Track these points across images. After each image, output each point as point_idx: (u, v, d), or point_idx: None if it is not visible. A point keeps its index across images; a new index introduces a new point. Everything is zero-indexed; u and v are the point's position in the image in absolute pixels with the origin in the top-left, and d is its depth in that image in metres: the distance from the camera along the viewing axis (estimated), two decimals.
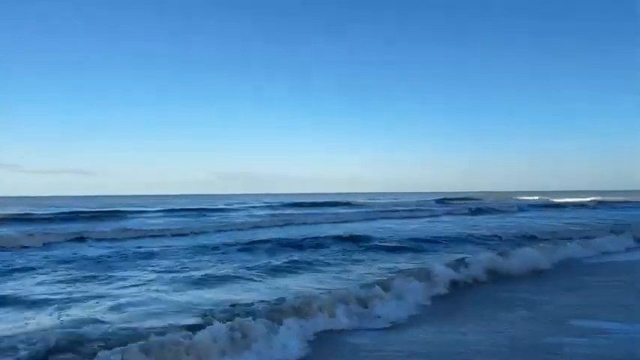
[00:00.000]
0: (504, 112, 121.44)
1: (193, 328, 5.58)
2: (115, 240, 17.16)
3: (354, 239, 15.70)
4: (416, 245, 14.17)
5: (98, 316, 6.42)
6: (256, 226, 23.45)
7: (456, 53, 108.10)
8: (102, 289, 8.33)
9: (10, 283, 9.02)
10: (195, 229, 20.95)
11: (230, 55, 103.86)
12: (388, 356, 4.91)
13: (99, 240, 17.03)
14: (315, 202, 55.14)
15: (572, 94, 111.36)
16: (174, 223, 24.59)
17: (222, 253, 12.88)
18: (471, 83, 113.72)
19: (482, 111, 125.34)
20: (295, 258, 11.63)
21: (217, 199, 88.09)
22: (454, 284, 8.37)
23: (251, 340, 5.17)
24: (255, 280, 9.11)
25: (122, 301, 7.37)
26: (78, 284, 8.83)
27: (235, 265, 10.87)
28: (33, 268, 10.67)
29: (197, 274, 9.70)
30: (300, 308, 6.33)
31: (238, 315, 6.27)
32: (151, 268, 10.48)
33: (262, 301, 7.08)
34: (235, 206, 46.33)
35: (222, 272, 9.86)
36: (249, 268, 10.24)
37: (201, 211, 37.12)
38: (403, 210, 37.52)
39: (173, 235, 18.94)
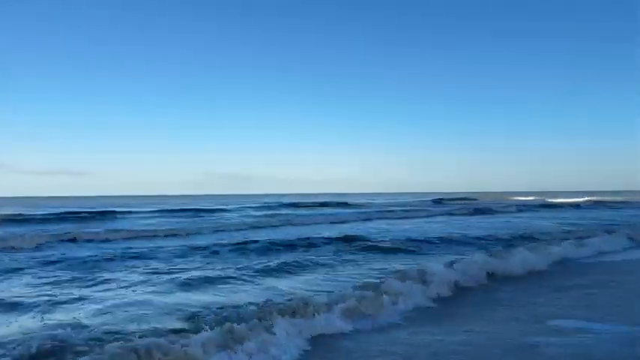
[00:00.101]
0: (504, 112, 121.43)
1: (180, 333, 5.46)
2: (106, 241, 16.97)
3: (348, 240, 15.60)
4: (411, 246, 14.04)
5: (82, 320, 6.27)
6: (250, 227, 23.22)
7: (454, 53, 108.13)
8: (88, 291, 8.16)
9: None
10: (188, 229, 20.75)
11: (226, 55, 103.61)
12: (377, 357, 4.79)
13: (90, 241, 16.85)
14: (310, 202, 55.01)
15: (571, 95, 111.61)
16: (166, 224, 24.43)
17: (214, 254, 12.72)
18: (470, 83, 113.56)
19: (481, 111, 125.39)
20: (288, 259, 11.48)
21: (213, 199, 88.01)
22: (449, 286, 8.22)
23: (242, 345, 5.00)
24: (246, 282, 8.96)
25: (108, 303, 7.21)
26: (64, 286, 8.67)
27: (226, 266, 10.72)
28: (20, 269, 10.50)
29: (186, 275, 9.54)
30: (292, 311, 6.17)
31: (227, 317, 6.14)
32: (139, 270, 10.31)
33: (251, 303, 6.96)
34: (230, 207, 46.15)
35: (213, 274, 9.70)
36: (240, 270, 10.09)
37: (194, 212, 36.98)
38: (399, 210, 37.46)
39: (165, 236, 18.75)
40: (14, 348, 5.09)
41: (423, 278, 8.06)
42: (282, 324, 5.57)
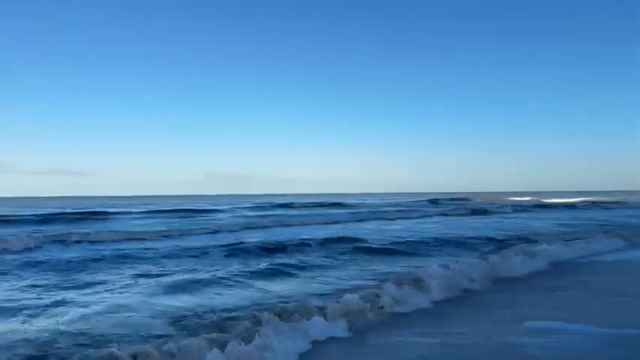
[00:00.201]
0: (504, 112, 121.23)
1: (166, 338, 5.38)
2: (96, 242, 16.76)
3: (341, 241, 15.48)
4: (404, 247, 13.93)
5: (65, 325, 6.12)
6: (242, 228, 23.04)
7: (454, 53, 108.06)
8: (73, 295, 7.99)
9: None
10: (180, 230, 20.57)
11: (226, 55, 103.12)
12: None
13: (79, 242, 16.65)
14: (304, 202, 54.88)
15: (571, 95, 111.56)
16: (158, 225, 24.25)
17: (204, 256, 12.56)
18: (470, 83, 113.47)
19: (481, 111, 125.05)
20: (279, 261, 11.36)
21: (208, 199, 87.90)
22: (445, 288, 8.10)
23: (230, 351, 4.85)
24: (236, 285, 8.81)
25: (92, 308, 7.05)
26: (49, 289, 8.49)
27: (216, 268, 10.57)
28: (5, 273, 10.31)
29: (175, 277, 9.39)
30: (283, 314, 6.05)
31: (215, 322, 6.08)
32: (127, 272, 10.14)
33: (241, 307, 6.89)
34: (224, 207, 45.98)
35: (202, 276, 9.56)
36: (230, 272, 9.94)
37: (188, 213, 36.78)
38: (394, 211, 37.35)
39: (156, 237, 18.52)
40: None
41: (415, 281, 7.96)
42: (273, 329, 5.43)
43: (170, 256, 12.55)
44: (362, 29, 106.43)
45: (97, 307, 7.06)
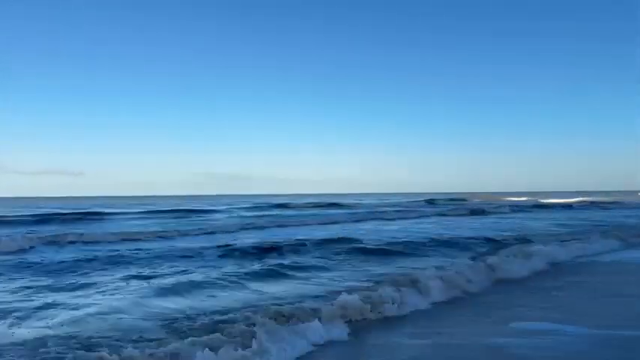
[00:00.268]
0: (504, 112, 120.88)
1: (158, 341, 5.31)
2: (90, 243, 16.61)
3: (337, 241, 15.38)
4: (400, 248, 13.84)
5: (55, 329, 6.02)
6: (238, 228, 22.84)
7: (454, 53, 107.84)
8: (64, 297, 7.89)
9: None
10: (175, 231, 20.40)
11: (226, 55, 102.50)
12: None
13: (74, 243, 16.51)
14: (303, 203, 54.82)
15: (571, 95, 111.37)
16: (155, 225, 24.14)
17: (199, 257, 12.45)
18: (470, 83, 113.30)
19: (481, 111, 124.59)
20: (274, 262, 11.27)
21: (207, 200, 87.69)
22: (443, 290, 8.04)
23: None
24: (231, 286, 8.72)
25: (83, 310, 6.95)
26: (40, 291, 8.38)
27: (211, 269, 10.47)
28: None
29: (168, 279, 9.29)
30: (278, 317, 6.00)
31: (209, 325, 5.98)
32: (120, 274, 10.01)
33: (235, 309, 6.81)
34: (221, 207, 45.83)
35: (196, 277, 9.45)
36: (225, 273, 9.84)
37: (185, 213, 36.63)
38: (391, 211, 37.30)
39: (151, 238, 18.38)
40: None
41: (413, 283, 7.92)
42: (268, 332, 5.32)
43: (164, 257, 12.42)
44: (362, 29, 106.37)
45: (88, 310, 6.96)
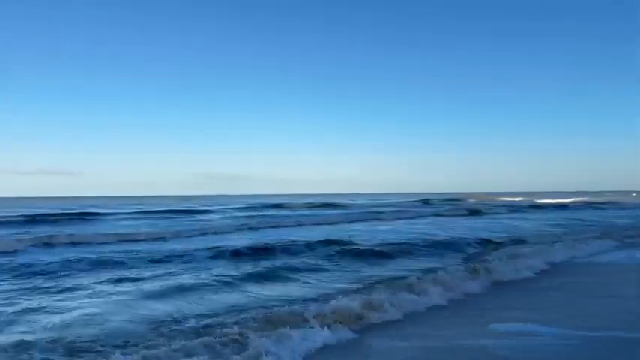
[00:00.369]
0: (504, 112, 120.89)
1: (145, 347, 5.16)
2: (80, 244, 16.38)
3: (331, 243, 15.21)
4: (394, 249, 13.68)
5: (38, 334, 5.87)
6: (232, 229, 22.62)
7: (454, 53, 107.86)
8: (50, 300, 7.72)
9: None
10: (168, 232, 20.16)
11: (226, 55, 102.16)
12: None
13: (64, 244, 16.28)
14: (299, 203, 54.68)
15: (571, 95, 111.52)
16: (148, 226, 23.92)
17: (189, 258, 12.27)
18: (470, 83, 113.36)
19: (481, 111, 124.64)
20: (267, 264, 11.13)
21: (205, 200, 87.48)
22: (436, 294, 7.91)
23: None
24: (223, 289, 8.57)
25: (70, 314, 6.80)
26: (26, 294, 8.20)
27: (202, 272, 10.32)
28: None
29: (158, 282, 9.13)
30: (271, 321, 5.90)
31: (199, 329, 5.88)
32: (109, 276, 9.80)
33: (228, 313, 6.72)
34: (215, 208, 45.61)
35: (187, 280, 9.28)
36: (216, 276, 9.69)
37: (179, 214, 36.41)
38: (387, 211, 37.21)
39: (142, 239, 18.13)
40: None
41: (410, 286, 7.89)
42: (257, 340, 5.15)
43: (155, 258, 12.21)
44: (362, 29, 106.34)
45: (74, 314, 6.81)
